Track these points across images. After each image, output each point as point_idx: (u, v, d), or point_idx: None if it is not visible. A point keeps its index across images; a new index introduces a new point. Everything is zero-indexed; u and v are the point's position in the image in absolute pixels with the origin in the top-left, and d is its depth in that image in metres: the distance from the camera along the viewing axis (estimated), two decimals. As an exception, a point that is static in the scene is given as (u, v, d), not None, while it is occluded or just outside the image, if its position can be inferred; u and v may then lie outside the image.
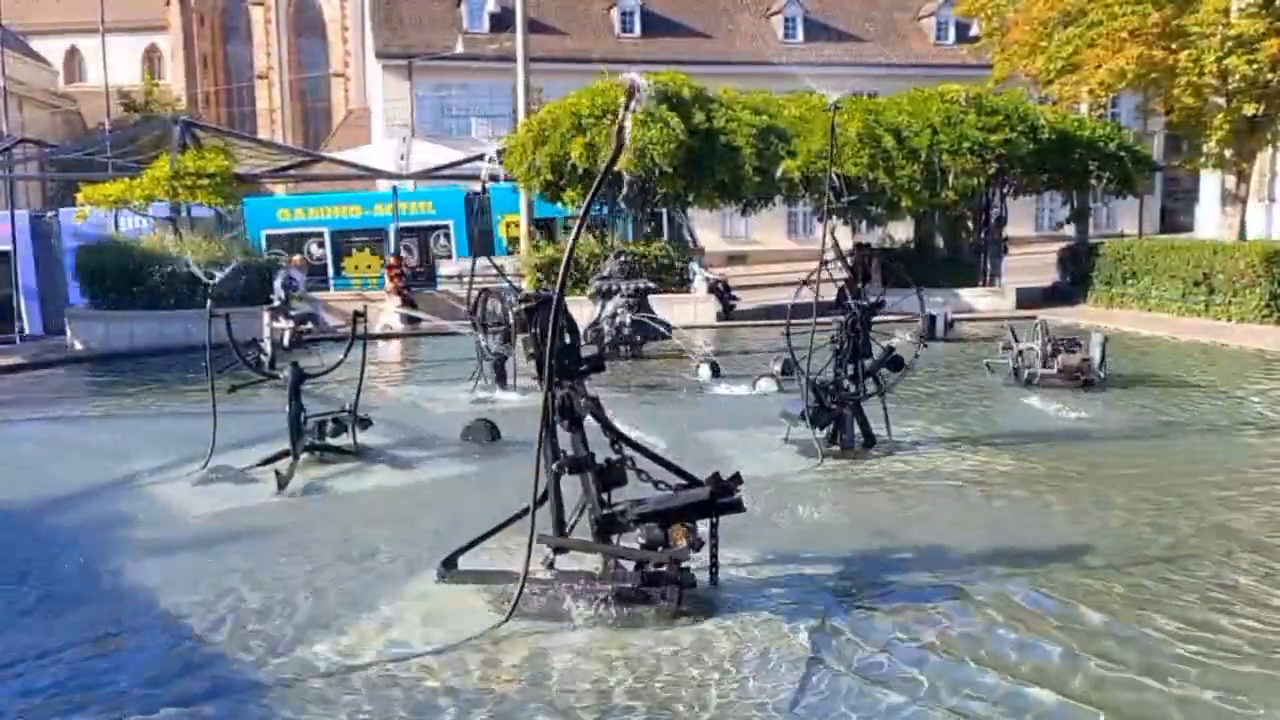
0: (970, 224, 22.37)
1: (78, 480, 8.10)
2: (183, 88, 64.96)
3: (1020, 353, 11.71)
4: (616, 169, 18.88)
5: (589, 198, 5.01)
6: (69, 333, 18.92)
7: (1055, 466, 8.01)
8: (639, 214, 21.41)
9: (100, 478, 8.19)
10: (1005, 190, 21.84)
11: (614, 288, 14.85)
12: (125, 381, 13.97)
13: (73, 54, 66.60)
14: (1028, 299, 21.33)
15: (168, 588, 5.58)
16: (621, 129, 4.52)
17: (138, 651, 4.85)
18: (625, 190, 18.72)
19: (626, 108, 4.47)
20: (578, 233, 5.06)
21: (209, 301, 8.37)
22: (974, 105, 20.40)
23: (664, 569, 4.97)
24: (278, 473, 7.67)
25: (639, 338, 14.68)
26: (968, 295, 20.94)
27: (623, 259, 15.33)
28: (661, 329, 14.50)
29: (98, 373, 15.33)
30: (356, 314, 9.04)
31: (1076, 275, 21.92)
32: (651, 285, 15.69)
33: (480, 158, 21.72)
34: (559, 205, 22.18)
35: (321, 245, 28.31)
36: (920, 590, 5.34)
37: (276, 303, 14.12)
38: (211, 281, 8.96)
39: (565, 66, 33.85)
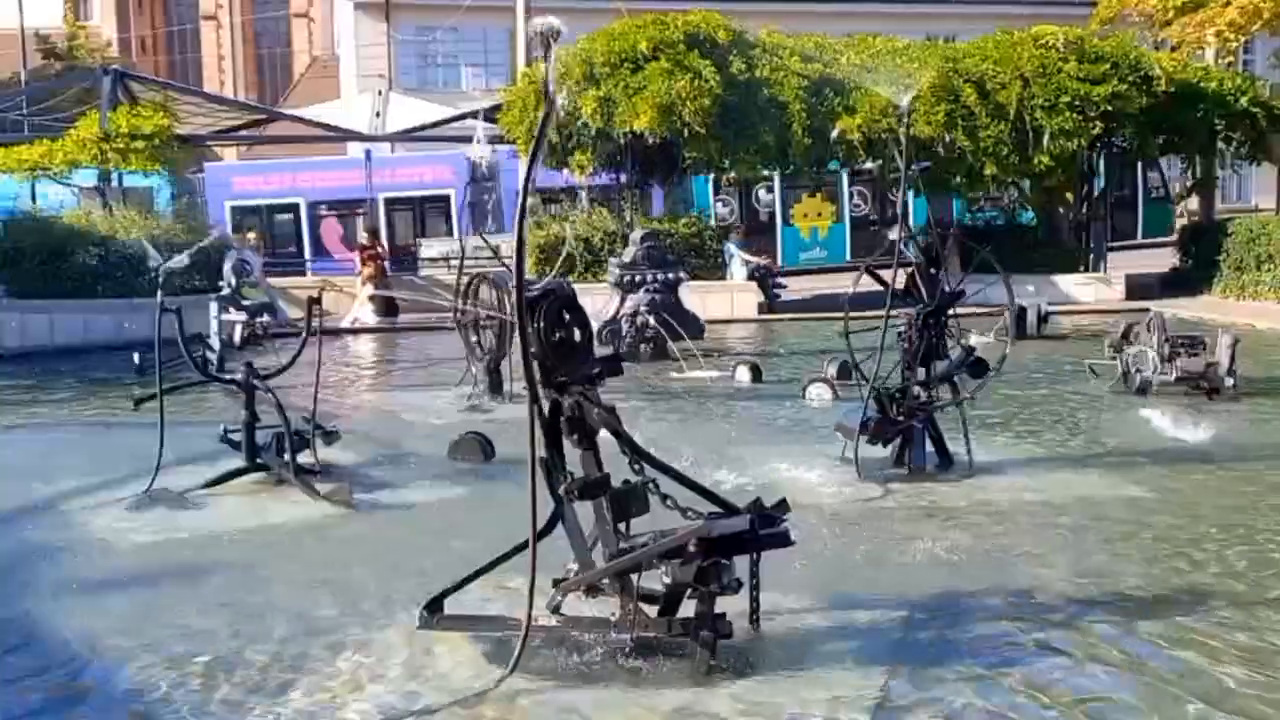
0: (1070, 196, 22.30)
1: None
2: (114, 31, 65.46)
3: (1130, 354, 11.66)
4: (638, 129, 18.95)
5: (528, 169, 4.95)
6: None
7: (1172, 495, 7.97)
8: (664, 183, 21.47)
9: (13, 501, 8.27)
10: (1113, 154, 21.77)
11: (638, 279, 14.83)
12: (44, 385, 14.11)
13: (-19, -10, 67.25)
14: (1140, 288, 21.25)
15: (92, 636, 5.62)
16: (547, 85, 4.63)
17: (55, 713, 4.90)
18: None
19: (546, 59, 4.53)
20: (522, 214, 4.94)
21: (159, 292, 8.42)
22: (1074, 51, 20.33)
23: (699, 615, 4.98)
24: (314, 490, 7.88)
25: (663, 339, 14.70)
26: (1066, 283, 20.89)
27: (649, 244, 15.28)
28: (692, 331, 14.53)
29: (11, 375, 15.48)
30: (312, 300, 9.03)
31: (1200, 259, 21.81)
32: (683, 276, 15.68)
33: (475, 115, 21.80)
34: (566, 172, 22.25)
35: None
36: (1003, 645, 5.33)
37: (226, 291, 14.19)
38: (163, 266, 9.00)
39: (575, 5, 33.92)
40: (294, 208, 29.22)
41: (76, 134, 21.51)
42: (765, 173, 22.63)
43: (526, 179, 4.96)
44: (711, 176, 23.09)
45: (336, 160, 30.43)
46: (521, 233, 5.01)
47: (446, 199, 28.34)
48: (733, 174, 22.14)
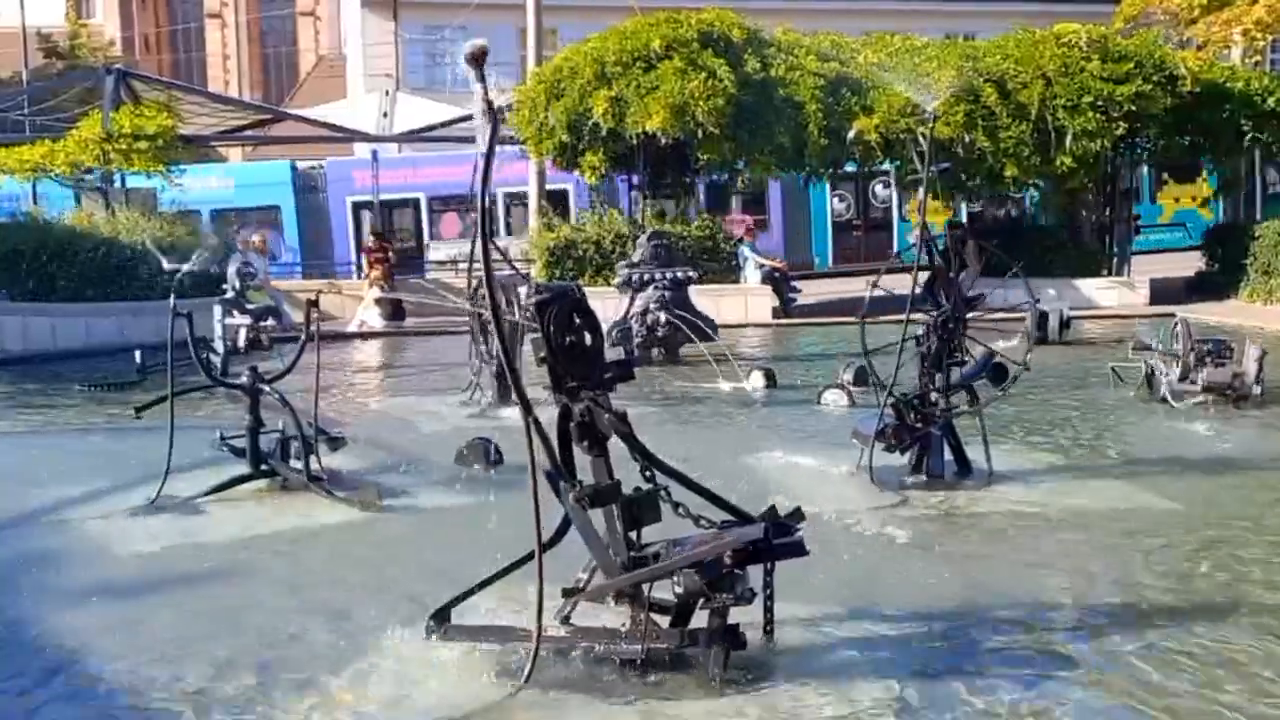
0: (1091, 198, 22.26)
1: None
2: (117, 29, 65.78)
3: (1154, 360, 11.62)
4: (650, 129, 18.96)
5: (482, 182, 4.99)
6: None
7: (1197, 505, 7.95)
8: (677, 185, 21.48)
9: (16, 508, 8.31)
10: (1136, 156, 21.72)
11: (646, 278, 14.89)
12: (47, 390, 14.16)
13: (-17, -12, 67.63)
14: (1164, 292, 21.19)
15: (95, 645, 5.65)
16: (491, 104, 4.72)
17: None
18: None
19: (482, 80, 4.63)
20: (482, 222, 5.05)
21: (172, 296, 8.46)
22: (1097, 50, 20.30)
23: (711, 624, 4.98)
24: (364, 503, 7.97)
25: (675, 339, 14.72)
26: (1088, 287, 20.85)
27: (656, 243, 15.36)
28: (705, 330, 14.53)
29: (12, 379, 15.55)
30: (310, 303, 9.06)
31: (1226, 263, 21.74)
32: (692, 275, 15.73)
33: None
34: (577, 174, 22.28)
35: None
36: (1022, 656, 5.32)
37: (230, 295, 14.22)
38: (182, 271, 9.05)
39: (586, 2, 34.04)
40: (414, 203, 29.59)
41: (79, 134, 21.59)
42: (780, 173, 22.56)
43: (483, 192, 4.99)
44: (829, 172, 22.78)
45: (455, 155, 30.71)
46: (486, 243, 5.12)
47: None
48: (746, 174, 22.05)
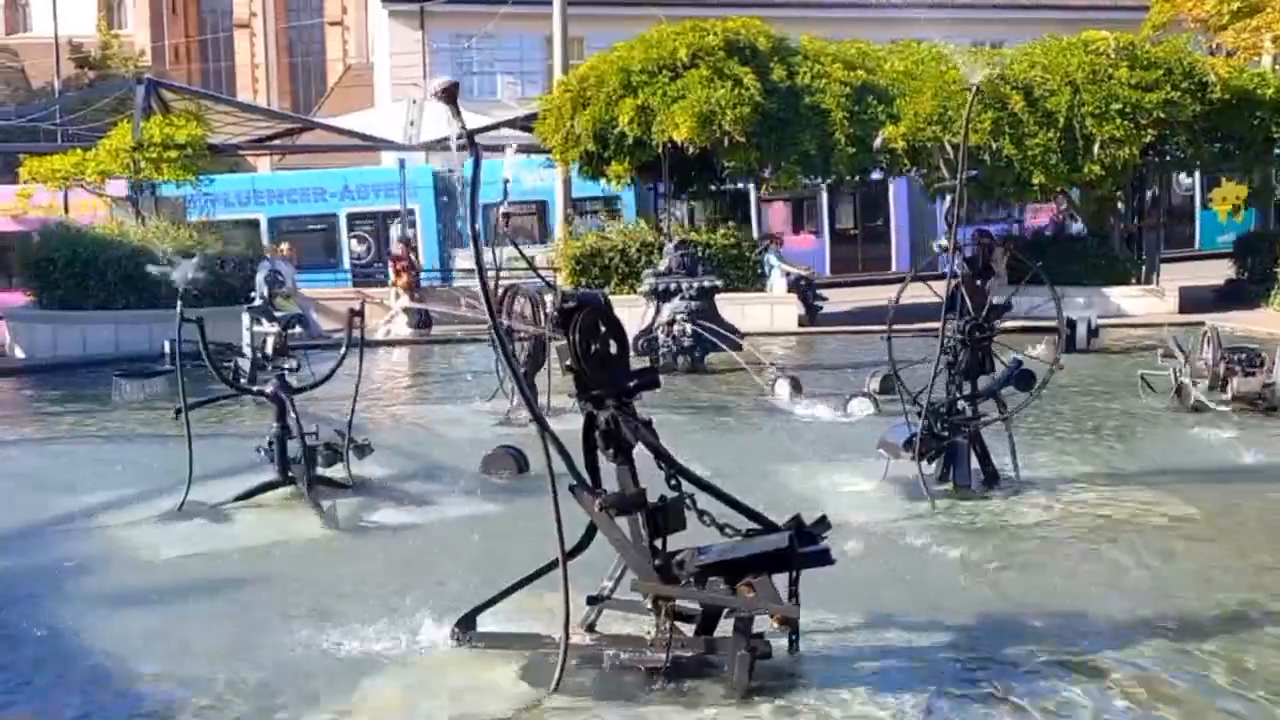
0: (1120, 206, 22.13)
1: (18, 517, 8.31)
2: (147, 39, 66.33)
3: (1181, 369, 11.54)
4: (677, 139, 18.97)
5: (470, 203, 5.08)
6: (8, 338, 19.39)
7: (1225, 515, 7.90)
8: (703, 193, 21.50)
9: (46, 514, 8.39)
10: (1165, 163, 21.58)
11: (672, 287, 14.88)
12: (76, 397, 14.28)
13: (15, -1, 68.44)
14: (1194, 301, 21.03)
15: (124, 652, 5.69)
16: (470, 137, 4.86)
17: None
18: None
19: (457, 115, 4.75)
20: (476, 239, 5.17)
21: (179, 302, 8.52)
22: (1126, 57, 20.18)
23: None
24: (320, 508, 7.95)
25: (701, 348, 14.72)
26: (1117, 295, 20.71)
27: (683, 252, 15.33)
28: (731, 339, 14.52)
29: (43, 386, 15.70)
30: (353, 313, 9.17)
31: (1257, 271, 21.57)
32: (718, 284, 15.71)
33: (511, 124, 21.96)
34: (602, 182, 22.32)
35: None
36: (1048, 667, 5.29)
37: (258, 302, 14.31)
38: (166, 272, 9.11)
39: (612, 11, 34.15)
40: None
41: (109, 143, 21.76)
42: (806, 181, 22.57)
43: (471, 212, 5.08)
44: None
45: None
46: (480, 258, 5.18)
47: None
48: (771, 183, 22.05)
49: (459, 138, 4.82)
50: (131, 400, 13.12)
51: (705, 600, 5.11)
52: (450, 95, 4.73)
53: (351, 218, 30.31)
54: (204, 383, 9.74)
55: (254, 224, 28.83)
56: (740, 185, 23.44)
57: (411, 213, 29.37)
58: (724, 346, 14.31)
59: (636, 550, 5.13)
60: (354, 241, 30.29)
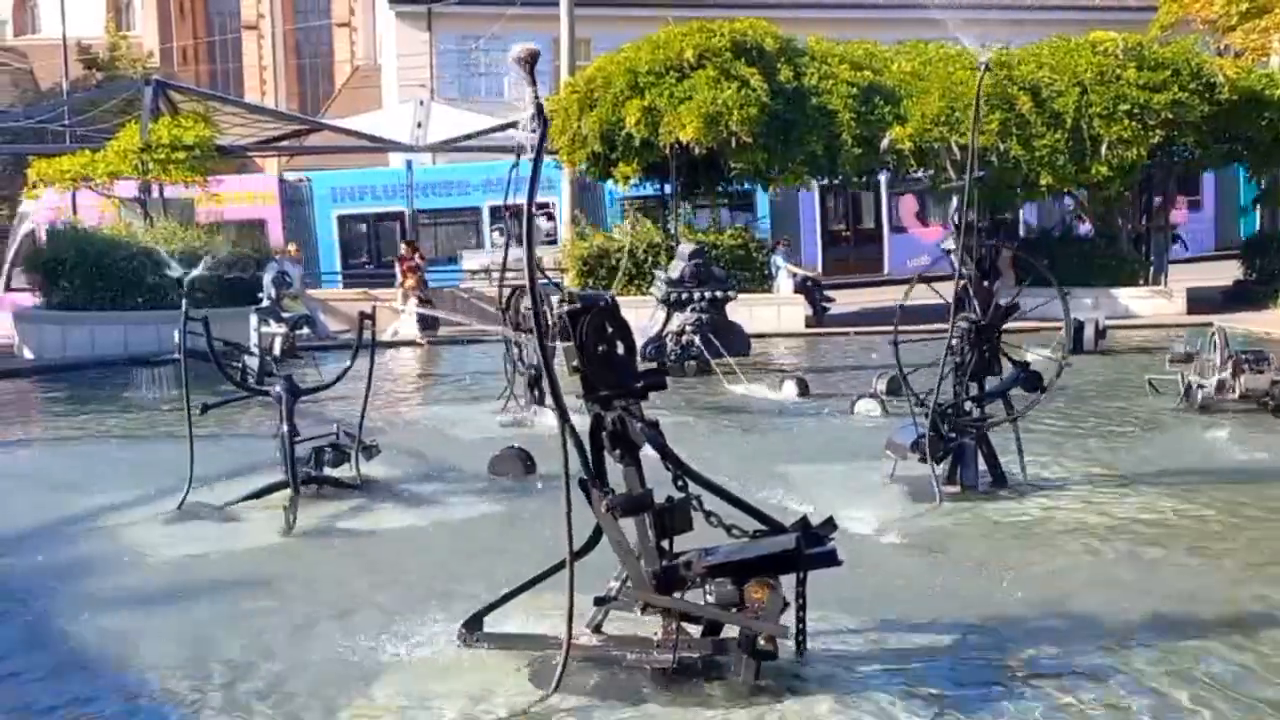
0: (1129, 207, 22.08)
1: (26, 518, 8.33)
2: (155, 41, 66.43)
3: (1189, 370, 11.52)
4: (684, 140, 18.97)
5: (530, 187, 4.95)
6: (16, 339, 19.45)
7: (1234, 515, 7.88)
8: (709, 194, 21.48)
9: (53, 514, 8.40)
10: (1173, 164, 21.53)
11: (684, 297, 14.79)
12: (85, 398, 14.31)
13: (23, 0, 68.55)
14: (1202, 302, 20.99)
15: (123, 652, 5.71)
16: (540, 108, 4.77)
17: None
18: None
19: (532, 83, 4.67)
20: (529, 234, 4.91)
21: (184, 302, 8.55)
22: (1133, 58, 20.15)
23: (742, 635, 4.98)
24: (288, 511, 7.85)
25: (709, 354, 14.69)
26: (1125, 296, 20.68)
27: (697, 261, 15.20)
28: (738, 349, 14.52)
29: (51, 387, 15.74)
30: (364, 315, 9.21)
31: (1265, 272, 21.52)
32: (731, 295, 15.59)
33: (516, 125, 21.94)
34: (610, 183, 22.31)
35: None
36: (1056, 669, 5.29)
37: (266, 303, 14.34)
38: (188, 276, 9.15)
39: (619, 12, 34.14)
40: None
41: (118, 145, 21.79)
42: (813, 181, 22.56)
43: (530, 197, 4.98)
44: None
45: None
46: (531, 255, 5.02)
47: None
48: (778, 184, 22.03)
49: (534, 103, 4.72)
50: (149, 391, 13.22)
51: (690, 611, 5.09)
52: (531, 62, 4.68)
53: (494, 210, 30.12)
54: (214, 382, 9.73)
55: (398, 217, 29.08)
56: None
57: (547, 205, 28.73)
58: (728, 356, 14.26)
59: (630, 556, 5.14)
60: (496, 234, 30.17)
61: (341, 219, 30.32)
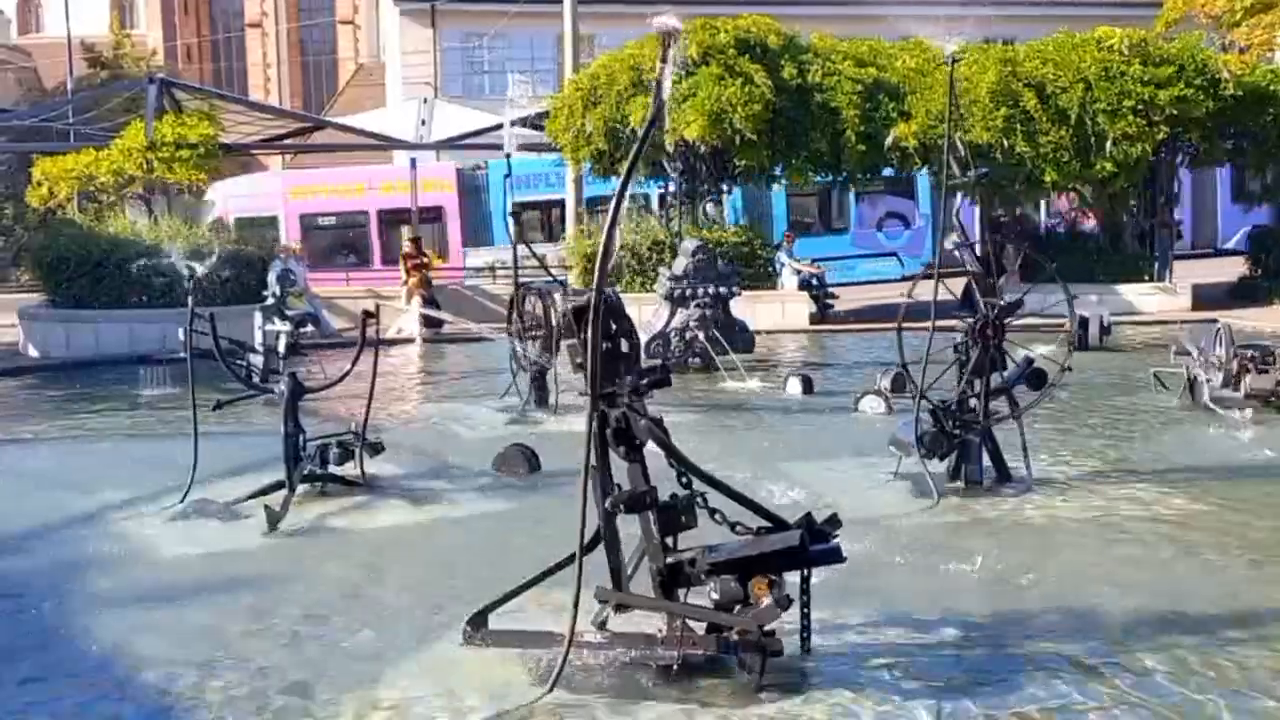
0: (1135, 202, 22.04)
1: (29, 516, 8.33)
2: (159, 39, 66.52)
3: (1193, 366, 11.50)
4: (689, 138, 18.96)
5: (625, 174, 4.90)
6: (21, 337, 19.47)
7: (1240, 512, 7.87)
8: (713, 190, 21.46)
9: (57, 512, 8.41)
10: (1178, 160, 21.50)
11: (689, 293, 14.78)
12: (89, 396, 14.32)
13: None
14: (1207, 298, 20.97)
15: (126, 651, 5.71)
16: (660, 85, 4.59)
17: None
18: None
19: (664, 59, 4.52)
20: (614, 218, 4.76)
21: (189, 299, 8.57)
22: (1138, 54, 20.11)
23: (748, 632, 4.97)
24: (268, 508, 7.83)
25: (713, 351, 14.68)
26: (1130, 292, 20.65)
27: (700, 257, 15.18)
28: (742, 346, 14.51)
29: (55, 385, 15.74)
30: (367, 313, 9.21)
31: (1270, 268, 21.49)
32: (738, 292, 15.57)
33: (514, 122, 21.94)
34: (613, 181, 22.28)
35: None
36: (1062, 666, 5.28)
37: (270, 301, 14.36)
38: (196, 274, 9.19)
39: (623, 9, 34.04)
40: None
41: (122, 143, 21.81)
42: (817, 179, 22.53)
43: (624, 185, 4.92)
44: None
45: None
46: (610, 243, 4.98)
47: None
48: (782, 181, 22.07)
49: (670, 67, 4.60)
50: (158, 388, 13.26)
51: (671, 611, 5.09)
52: (672, 38, 4.63)
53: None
54: (221, 380, 9.75)
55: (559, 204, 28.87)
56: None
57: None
58: (732, 354, 14.25)
59: (616, 554, 5.15)
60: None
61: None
